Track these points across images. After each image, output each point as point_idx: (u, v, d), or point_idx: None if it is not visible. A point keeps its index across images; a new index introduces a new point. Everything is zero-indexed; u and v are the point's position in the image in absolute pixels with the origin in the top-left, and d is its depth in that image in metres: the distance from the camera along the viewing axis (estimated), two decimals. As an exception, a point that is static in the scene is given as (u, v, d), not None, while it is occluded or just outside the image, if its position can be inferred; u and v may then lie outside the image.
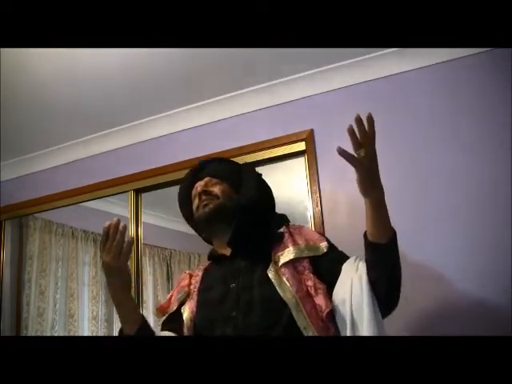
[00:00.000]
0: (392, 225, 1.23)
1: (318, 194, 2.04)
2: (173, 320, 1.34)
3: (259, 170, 2.25)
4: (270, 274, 1.20)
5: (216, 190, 1.39)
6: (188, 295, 1.36)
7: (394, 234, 1.19)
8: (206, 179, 1.43)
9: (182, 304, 1.35)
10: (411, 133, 1.96)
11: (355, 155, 1.08)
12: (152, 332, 1.23)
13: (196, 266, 1.45)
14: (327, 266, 1.27)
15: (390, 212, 1.91)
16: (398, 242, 1.24)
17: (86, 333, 2.69)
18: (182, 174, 2.34)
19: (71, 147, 2.68)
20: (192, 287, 1.37)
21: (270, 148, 2.17)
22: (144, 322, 1.22)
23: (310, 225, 2.03)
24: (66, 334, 2.74)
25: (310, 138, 2.11)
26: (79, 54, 1.92)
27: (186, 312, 1.30)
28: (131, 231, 2.41)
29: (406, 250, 1.86)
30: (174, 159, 2.38)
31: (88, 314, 2.73)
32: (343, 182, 2.03)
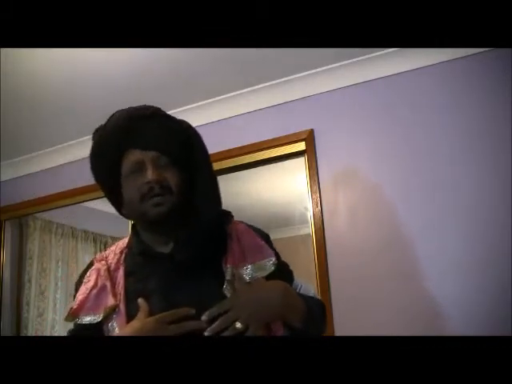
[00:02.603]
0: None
1: (317, 194, 2.04)
2: (92, 334, 1.04)
3: (259, 170, 2.29)
4: (229, 295, 1.01)
5: (169, 179, 1.05)
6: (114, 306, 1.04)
7: (306, 313, 1.04)
8: (154, 155, 1.06)
9: (107, 315, 1.04)
10: (411, 132, 1.96)
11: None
12: None
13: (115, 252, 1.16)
14: None
15: (390, 211, 1.91)
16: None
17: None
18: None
19: (71, 147, 2.69)
20: (118, 293, 1.06)
21: (270, 148, 2.18)
22: None
23: (310, 225, 2.03)
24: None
25: (310, 137, 2.11)
26: (79, 54, 1.92)
27: (117, 332, 1.02)
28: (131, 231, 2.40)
29: (409, 244, 1.87)
30: (174, 159, 2.38)
31: (88, 314, 2.73)
32: (343, 182, 2.03)
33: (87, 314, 1.05)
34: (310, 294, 1.18)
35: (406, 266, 1.85)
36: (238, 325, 0.95)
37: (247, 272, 1.06)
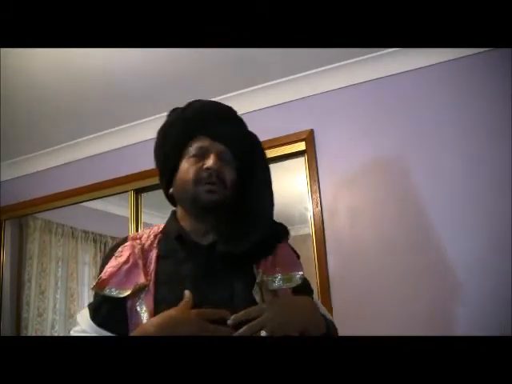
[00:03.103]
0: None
1: (317, 194, 2.04)
2: (116, 313, 1.04)
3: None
4: (257, 298, 1.02)
5: (226, 174, 1.09)
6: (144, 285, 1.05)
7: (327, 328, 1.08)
8: (221, 148, 1.10)
9: (134, 293, 1.04)
10: (410, 132, 1.96)
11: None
12: None
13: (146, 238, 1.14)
14: None
15: (390, 211, 1.91)
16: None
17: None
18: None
19: (71, 147, 2.69)
20: (149, 273, 1.06)
21: (270, 148, 2.17)
22: None
23: (310, 225, 2.03)
24: (66, 334, 2.74)
25: (310, 137, 2.11)
26: (79, 54, 1.92)
27: (144, 311, 1.02)
28: (131, 231, 2.41)
29: (409, 244, 1.87)
30: (174, 159, 2.38)
31: (88, 314, 2.73)
32: (343, 181, 2.03)
33: (115, 287, 1.05)
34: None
35: (407, 266, 1.85)
36: (264, 334, 0.95)
37: (276, 281, 1.07)
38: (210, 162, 1.07)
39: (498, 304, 1.66)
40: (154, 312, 1.01)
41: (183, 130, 1.12)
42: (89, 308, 1.10)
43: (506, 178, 1.75)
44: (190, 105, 1.16)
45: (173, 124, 1.15)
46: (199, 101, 1.18)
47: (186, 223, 1.12)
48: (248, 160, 1.14)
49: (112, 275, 1.06)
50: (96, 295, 1.09)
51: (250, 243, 1.05)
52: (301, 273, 1.11)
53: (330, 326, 1.10)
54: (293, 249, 1.20)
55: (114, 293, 1.04)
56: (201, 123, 1.12)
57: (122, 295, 1.04)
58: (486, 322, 1.67)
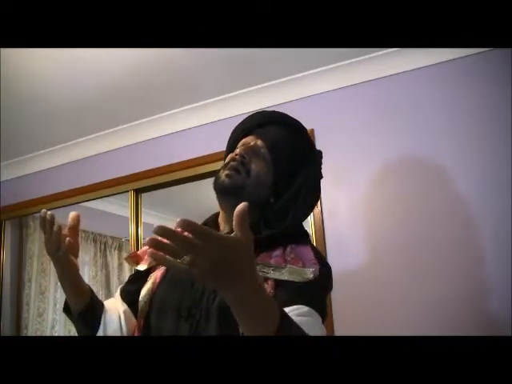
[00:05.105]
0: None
1: (318, 194, 2.04)
2: (136, 281, 1.17)
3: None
4: None
5: (254, 164, 1.10)
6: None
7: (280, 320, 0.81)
8: (258, 143, 1.13)
9: (153, 266, 1.14)
10: (411, 132, 1.96)
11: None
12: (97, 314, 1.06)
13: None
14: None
15: (390, 211, 1.91)
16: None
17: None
18: (181, 174, 2.36)
19: (71, 147, 2.69)
20: None
21: (270, 148, 2.17)
22: (89, 306, 1.06)
23: (310, 225, 2.03)
24: (66, 334, 2.74)
25: (310, 137, 2.11)
26: (79, 54, 1.92)
27: (150, 282, 1.12)
28: (131, 231, 2.41)
29: (409, 244, 1.87)
30: (174, 159, 2.38)
31: (88, 314, 2.73)
32: (343, 182, 2.03)
33: (142, 262, 1.16)
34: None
35: (407, 267, 1.85)
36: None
37: (283, 273, 0.98)
38: (240, 149, 1.13)
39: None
40: (158, 285, 1.09)
41: (242, 128, 1.23)
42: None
43: (498, 176, 1.75)
44: (262, 111, 1.28)
45: (240, 122, 1.26)
46: (270, 110, 1.28)
47: (220, 213, 1.18)
48: (288, 168, 1.12)
49: (141, 253, 1.18)
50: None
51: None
52: (313, 269, 0.98)
53: (292, 329, 0.85)
54: (319, 255, 1.07)
55: (138, 266, 1.16)
56: (256, 124, 1.20)
57: (142, 268, 1.14)
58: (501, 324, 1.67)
